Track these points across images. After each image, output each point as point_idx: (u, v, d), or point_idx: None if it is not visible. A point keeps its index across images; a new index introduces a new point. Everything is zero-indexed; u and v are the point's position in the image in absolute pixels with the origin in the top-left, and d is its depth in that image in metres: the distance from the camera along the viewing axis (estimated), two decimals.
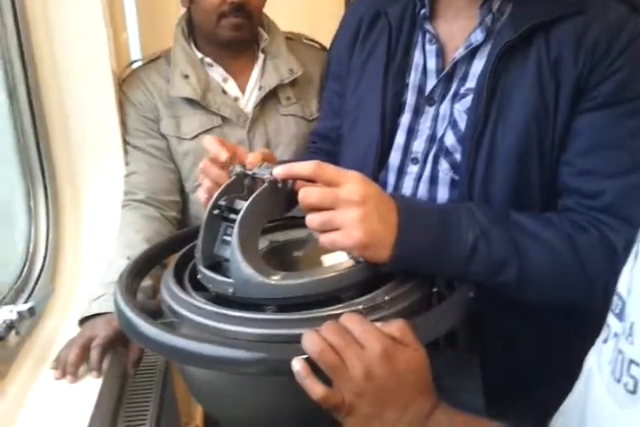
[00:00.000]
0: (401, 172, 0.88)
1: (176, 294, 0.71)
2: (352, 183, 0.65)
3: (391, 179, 0.89)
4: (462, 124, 0.80)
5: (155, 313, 0.71)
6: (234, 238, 0.67)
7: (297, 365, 0.54)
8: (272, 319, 0.63)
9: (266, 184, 0.69)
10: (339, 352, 0.53)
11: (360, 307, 0.64)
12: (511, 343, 0.82)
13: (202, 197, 0.77)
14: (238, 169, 0.75)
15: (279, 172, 0.66)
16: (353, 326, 0.56)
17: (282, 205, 0.72)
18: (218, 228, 0.73)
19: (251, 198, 0.68)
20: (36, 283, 1.09)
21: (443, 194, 0.84)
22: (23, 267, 1.11)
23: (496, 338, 0.83)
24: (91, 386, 0.90)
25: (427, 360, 0.55)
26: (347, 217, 0.64)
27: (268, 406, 0.67)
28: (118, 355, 0.95)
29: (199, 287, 0.73)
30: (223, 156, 0.76)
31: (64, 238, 1.22)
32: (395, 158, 0.88)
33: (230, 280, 0.68)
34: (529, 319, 0.80)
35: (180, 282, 0.76)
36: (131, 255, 1.13)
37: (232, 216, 0.71)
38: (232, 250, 0.67)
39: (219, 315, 0.65)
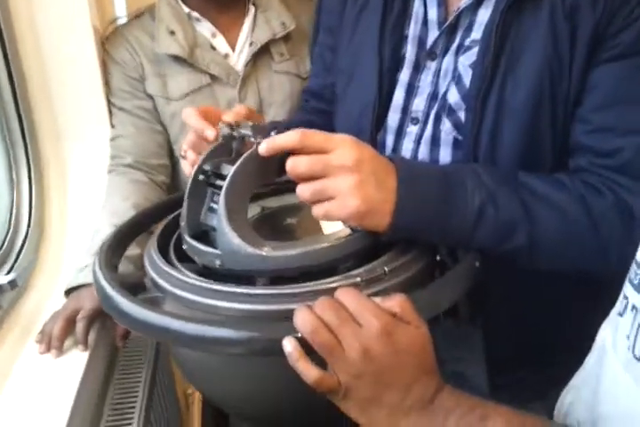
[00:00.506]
0: (400, 133, 0.82)
1: (159, 266, 0.66)
2: (343, 148, 0.59)
3: (389, 140, 0.83)
4: (467, 80, 0.73)
5: (137, 287, 0.66)
6: (220, 206, 0.62)
7: (288, 345, 0.50)
8: (262, 294, 0.58)
9: (255, 147, 0.63)
10: (333, 330, 0.49)
11: (358, 279, 0.59)
12: (517, 314, 0.78)
13: (187, 170, 0.71)
14: (225, 130, 0.69)
15: (262, 147, 0.61)
16: (349, 301, 0.51)
17: (274, 168, 0.66)
18: (204, 195, 0.68)
19: (238, 162, 0.63)
20: (19, 253, 1.05)
21: (445, 156, 0.78)
22: (5, 237, 1.06)
23: (501, 308, 0.79)
24: (77, 360, 0.86)
25: (429, 338, 0.50)
26: (340, 185, 0.58)
27: (261, 385, 0.63)
28: (106, 327, 0.91)
29: (185, 258, 0.68)
30: (210, 134, 0.72)
31: (48, 206, 1.17)
32: (393, 118, 0.82)
33: (217, 251, 0.63)
34: (537, 288, 0.75)
35: (164, 253, 0.71)
36: (117, 223, 1.07)
37: (219, 182, 0.65)
38: (219, 219, 0.62)
39: (204, 289, 0.60)
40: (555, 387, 0.60)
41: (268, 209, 0.78)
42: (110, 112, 1.26)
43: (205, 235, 0.68)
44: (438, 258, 0.69)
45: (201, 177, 0.66)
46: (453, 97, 0.75)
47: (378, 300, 0.52)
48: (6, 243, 1.05)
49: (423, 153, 0.79)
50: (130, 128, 1.24)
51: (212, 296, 0.59)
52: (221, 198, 0.62)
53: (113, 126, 1.26)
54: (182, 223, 0.68)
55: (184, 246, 0.68)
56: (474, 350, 0.83)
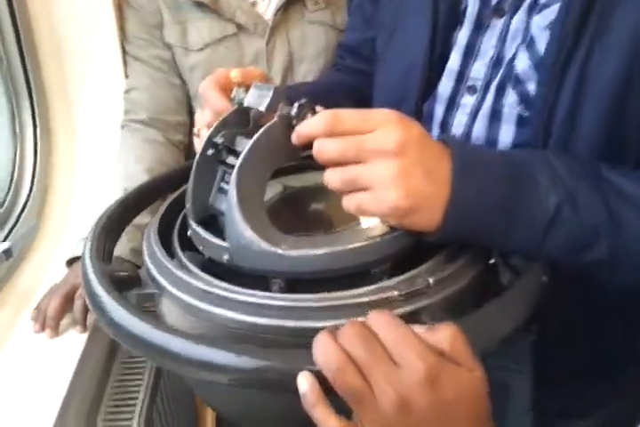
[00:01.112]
0: (452, 103, 0.69)
1: (157, 257, 0.56)
2: (384, 127, 0.47)
3: (438, 111, 0.70)
4: (542, 44, 0.60)
5: (132, 281, 0.56)
6: (231, 190, 0.51)
7: (304, 383, 0.39)
8: (274, 306, 0.47)
9: (275, 118, 0.52)
10: (363, 370, 0.38)
11: (395, 293, 0.48)
12: (578, 322, 0.67)
13: (198, 148, 0.60)
14: (241, 95, 0.57)
15: (294, 138, 0.50)
16: (385, 331, 0.40)
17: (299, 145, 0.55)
18: (214, 172, 0.57)
19: (255, 137, 0.51)
20: (19, 218, 0.95)
21: (506, 135, 0.65)
22: (4, 199, 0.96)
23: (561, 314, 0.67)
24: (75, 343, 0.78)
25: (486, 384, 0.39)
26: (378, 173, 0.47)
27: (265, 403, 0.53)
28: None
29: (191, 245, 0.58)
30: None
31: (54, 165, 1.07)
32: (445, 86, 0.69)
33: (225, 244, 0.52)
34: (605, 295, 0.63)
35: (167, 237, 0.61)
36: (129, 188, 0.98)
37: (231, 159, 0.54)
38: (229, 206, 0.51)
39: (206, 293, 0.50)
40: (599, 409, 0.49)
41: (291, 189, 0.66)
42: (125, 61, 1.14)
43: (214, 219, 0.58)
44: (492, 261, 0.57)
45: (210, 151, 0.55)
46: (522, 64, 0.61)
47: (421, 330, 0.41)
48: (5, 205, 0.95)
49: (479, 129, 0.67)
50: (145, 80, 1.12)
51: (214, 303, 0.49)
52: (233, 179, 0.51)
53: (127, 77, 1.14)
54: (187, 205, 0.57)
55: (189, 233, 0.58)
56: (522, 358, 0.72)
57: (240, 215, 0.50)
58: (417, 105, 0.71)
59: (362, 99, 0.83)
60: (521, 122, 0.63)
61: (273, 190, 0.65)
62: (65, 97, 1.11)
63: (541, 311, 0.64)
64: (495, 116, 0.65)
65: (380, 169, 0.47)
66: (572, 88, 0.57)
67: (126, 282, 0.55)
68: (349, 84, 0.85)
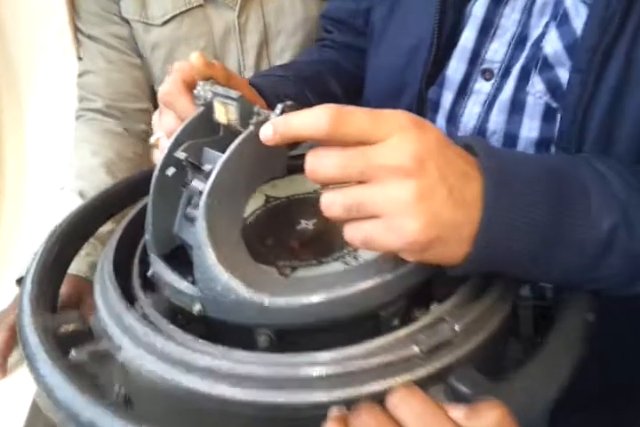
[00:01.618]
0: (464, 90, 0.58)
1: (112, 304, 0.44)
2: (398, 135, 0.36)
3: (446, 99, 0.59)
4: (578, 22, 0.49)
5: (82, 334, 0.45)
6: (200, 222, 0.40)
7: None
8: (258, 378, 0.37)
9: (251, 127, 0.40)
10: None
11: (415, 349, 0.38)
12: (602, 343, 0.57)
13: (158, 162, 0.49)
14: (208, 92, 0.45)
15: (266, 132, 0.37)
16: (413, 419, 0.30)
17: (283, 155, 0.44)
18: (177, 194, 0.45)
19: (227, 153, 0.40)
20: None
21: (529, 130, 0.54)
22: None
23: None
24: (29, 381, 0.66)
25: None
26: (392, 196, 0.36)
27: None
28: None
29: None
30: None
31: (1, 162, 0.94)
32: (456, 68, 0.57)
33: (196, 293, 0.41)
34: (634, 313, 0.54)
35: (125, 271, 0.50)
36: (84, 189, 0.86)
37: (197, 183, 0.42)
38: (198, 242, 0.40)
39: (173, 360, 0.39)
40: None
41: (274, 200, 0.55)
42: (77, 41, 1.00)
43: (182, 252, 0.46)
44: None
45: (171, 171, 0.43)
46: (552, 45, 0.50)
47: (460, 414, 0.31)
48: None
49: (495, 122, 0.56)
50: (100, 62, 0.98)
51: (183, 371, 0.38)
52: (201, 208, 0.40)
53: (80, 59, 1.00)
54: (147, 236, 0.46)
55: (149, 273, 0.46)
56: None
57: (213, 255, 0.39)
58: (420, 91, 0.59)
59: (354, 83, 0.71)
60: (548, 115, 0.53)
61: (251, 203, 0.54)
62: (11, 84, 0.97)
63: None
64: (516, 106, 0.54)
65: (394, 192, 0.36)
66: (616, 77, 0.46)
67: (76, 336, 0.44)
68: (339, 64, 0.73)
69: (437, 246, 0.37)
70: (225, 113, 0.42)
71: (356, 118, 0.36)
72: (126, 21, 0.98)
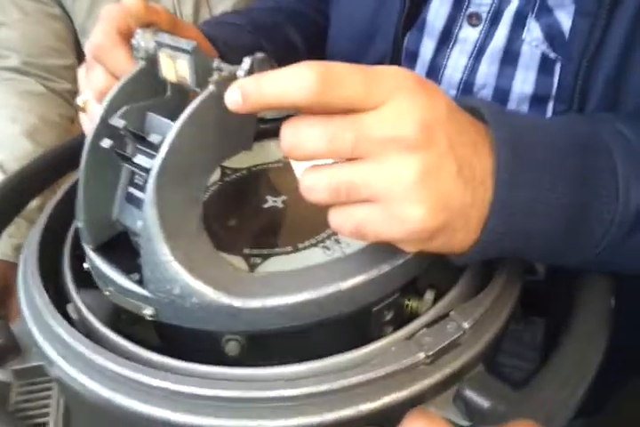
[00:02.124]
0: (446, 37, 0.50)
1: (39, 309, 0.36)
2: (397, 98, 0.28)
3: (426, 49, 0.52)
4: None
5: (8, 349, 0.36)
6: (148, 208, 0.31)
7: None
8: (220, 399, 0.30)
9: (210, 87, 0.31)
10: None
11: (421, 356, 0.31)
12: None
13: (87, 129, 0.39)
14: (152, 43, 0.36)
15: (235, 98, 0.29)
16: None
17: (251, 122, 0.35)
18: (115, 171, 0.37)
19: (181, 119, 0.31)
20: None
21: (523, 83, 0.47)
22: None
23: None
24: None
25: None
26: (391, 175, 0.29)
27: None
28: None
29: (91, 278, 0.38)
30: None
31: None
32: (437, 13, 0.50)
33: (145, 293, 0.33)
34: None
35: (52, 263, 0.41)
36: (4, 161, 0.75)
37: (141, 158, 0.33)
38: (148, 234, 0.31)
39: (112, 377, 0.31)
40: None
41: (233, 172, 0.46)
42: None
43: (123, 240, 0.38)
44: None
45: (106, 143, 0.34)
46: None
47: None
48: None
49: (484, 75, 0.50)
50: (14, 13, 0.85)
51: (128, 392, 0.31)
52: (150, 191, 0.31)
53: None
54: (79, 224, 0.37)
55: (85, 265, 0.38)
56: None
57: (168, 249, 0.31)
58: (395, 39, 0.52)
59: (316, 32, 0.62)
60: (545, 66, 0.46)
61: None
62: None
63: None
64: (508, 57, 0.47)
65: (394, 169, 0.28)
66: (627, 24, 0.40)
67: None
68: (298, 10, 0.63)
69: (444, 235, 0.31)
70: (174, 68, 0.33)
71: (349, 79, 0.28)
72: None
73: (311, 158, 0.29)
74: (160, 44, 0.34)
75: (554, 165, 0.32)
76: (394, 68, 0.30)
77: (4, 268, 0.68)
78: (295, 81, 0.27)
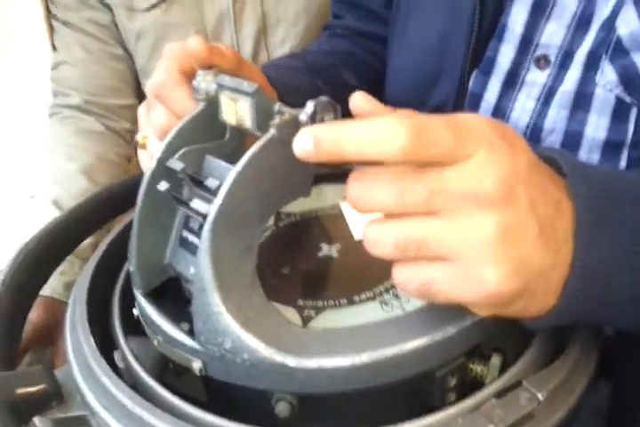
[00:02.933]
0: (513, 80, 0.49)
1: (87, 359, 0.34)
2: (482, 153, 0.26)
3: (491, 93, 0.50)
4: None
5: (49, 398, 0.35)
6: (203, 256, 0.30)
7: None
8: None
9: (272, 131, 0.30)
10: None
11: None
12: None
13: (145, 167, 0.39)
14: (213, 84, 0.35)
15: (305, 146, 0.27)
16: None
17: (310, 168, 0.33)
18: (170, 214, 0.35)
19: (241, 164, 0.30)
20: None
21: (596, 129, 0.45)
22: None
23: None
24: None
25: None
26: (467, 234, 0.27)
27: None
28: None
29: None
30: None
31: None
32: (504, 53, 0.48)
33: (195, 345, 0.31)
34: None
35: (103, 307, 0.40)
36: (59, 198, 0.76)
37: (197, 203, 0.32)
38: (201, 283, 0.30)
39: None
40: None
41: (286, 217, 0.45)
42: (51, 28, 0.89)
43: (176, 286, 0.36)
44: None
45: (163, 186, 0.33)
46: (629, 25, 0.41)
47: None
48: None
49: (554, 120, 0.48)
50: (77, 52, 0.88)
51: None
52: (205, 238, 0.30)
53: (55, 49, 0.89)
54: (131, 268, 0.36)
55: (135, 312, 0.37)
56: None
57: (220, 300, 0.29)
58: (460, 80, 0.50)
59: (371, 74, 0.62)
60: (620, 111, 0.44)
61: None
62: None
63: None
64: (580, 101, 0.45)
65: (471, 227, 0.26)
66: None
67: (39, 401, 0.34)
68: (353, 53, 0.63)
69: (522, 299, 0.28)
70: (234, 111, 0.32)
71: (442, 137, 0.26)
72: (107, 6, 0.88)
73: (378, 211, 0.27)
74: (221, 86, 0.33)
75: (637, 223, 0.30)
76: (478, 119, 0.28)
77: (54, 305, 0.67)
78: (384, 136, 0.25)
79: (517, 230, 0.27)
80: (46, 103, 0.87)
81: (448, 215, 0.26)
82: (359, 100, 0.30)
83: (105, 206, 0.53)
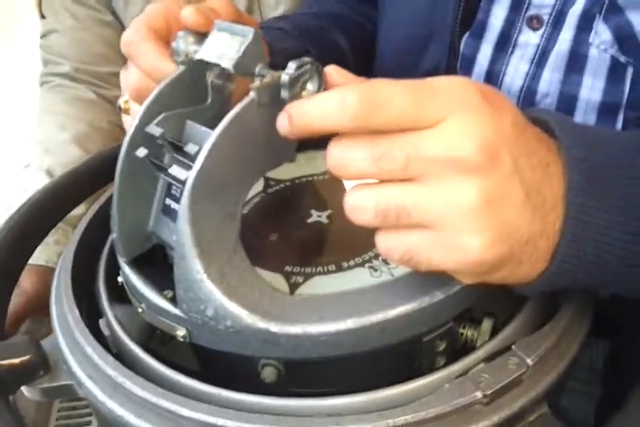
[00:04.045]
0: (504, 42, 0.47)
1: (69, 327, 0.34)
2: (457, 116, 0.26)
3: (483, 54, 0.49)
4: None
5: (37, 367, 0.34)
6: (182, 223, 0.29)
7: None
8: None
9: (251, 94, 0.29)
10: None
11: (478, 395, 0.28)
12: None
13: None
14: (191, 46, 0.34)
15: (281, 122, 0.28)
16: None
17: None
18: (152, 181, 0.35)
19: (219, 128, 0.29)
20: None
21: (590, 91, 0.44)
22: None
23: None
24: None
25: None
26: (448, 201, 0.26)
27: None
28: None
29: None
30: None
31: None
32: (495, 15, 0.47)
33: (178, 312, 0.31)
34: None
35: (89, 274, 0.39)
36: (52, 167, 0.75)
37: (176, 170, 0.31)
38: (181, 250, 0.29)
39: (142, 404, 0.29)
40: None
41: (277, 184, 0.44)
42: None
43: (158, 253, 0.36)
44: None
45: (142, 152, 0.32)
46: None
47: None
48: None
49: (548, 82, 0.47)
50: (66, 19, 0.86)
51: (160, 417, 0.29)
52: (185, 204, 0.29)
53: (43, 17, 0.87)
54: (114, 235, 0.35)
55: (119, 279, 0.36)
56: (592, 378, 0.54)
57: (201, 268, 0.29)
58: (451, 43, 0.48)
59: (362, 36, 0.60)
60: (615, 71, 0.43)
61: None
62: None
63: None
64: (574, 62, 0.44)
65: (453, 194, 0.26)
66: None
67: (25, 371, 0.34)
68: (342, 15, 0.61)
69: (507, 267, 0.28)
70: (218, 48, 0.31)
71: (395, 99, 0.25)
72: None
73: (358, 178, 0.27)
74: (218, 27, 0.32)
75: (633, 188, 0.29)
76: (456, 81, 0.27)
77: (49, 275, 0.67)
78: (335, 105, 0.25)
79: (501, 197, 0.26)
80: (37, 73, 0.86)
81: (427, 181, 0.26)
82: (332, 72, 0.29)
83: (94, 174, 0.52)
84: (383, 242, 0.28)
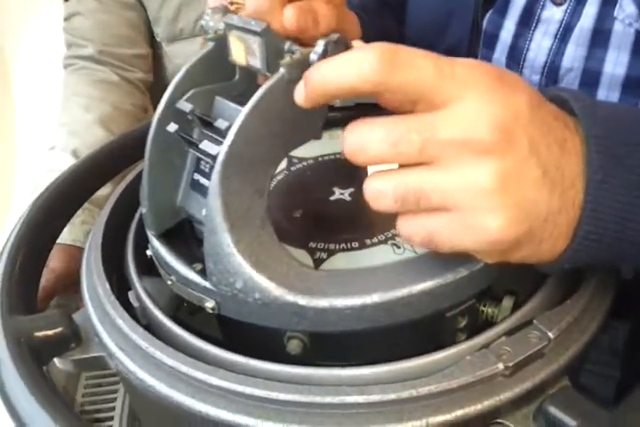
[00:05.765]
0: (527, 18, 0.47)
1: (102, 301, 0.35)
2: (473, 97, 0.26)
3: (507, 30, 0.49)
4: None
5: (68, 339, 0.36)
6: (212, 198, 0.30)
7: None
8: (287, 403, 0.28)
9: (281, 70, 0.30)
10: None
11: (500, 367, 0.28)
12: None
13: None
14: (221, 24, 0.34)
15: (298, 90, 0.28)
16: None
17: (322, 109, 0.33)
18: (181, 156, 0.35)
19: (250, 105, 0.29)
20: None
21: (615, 65, 0.44)
22: None
23: None
24: None
25: None
26: (465, 183, 0.26)
27: None
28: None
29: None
30: None
31: None
32: None
33: (207, 285, 0.32)
34: None
35: (118, 250, 0.40)
36: (77, 148, 0.76)
37: (207, 144, 0.32)
38: (211, 225, 0.30)
39: (172, 374, 0.30)
40: None
41: (299, 162, 0.44)
42: None
43: (188, 229, 0.37)
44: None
45: (172, 127, 0.33)
46: None
47: None
48: None
49: (571, 58, 0.46)
50: (89, 2, 0.87)
51: (191, 391, 0.29)
52: (215, 179, 0.30)
53: (66, 0, 0.88)
54: (143, 210, 0.36)
55: (148, 252, 0.37)
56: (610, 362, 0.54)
57: (231, 241, 0.30)
58: (474, 21, 0.48)
59: (392, 17, 0.60)
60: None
61: None
62: None
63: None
64: (598, 37, 0.44)
65: (469, 176, 0.26)
66: None
67: (57, 343, 0.35)
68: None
69: (528, 245, 0.28)
70: (244, 51, 0.32)
71: (419, 62, 0.25)
72: None
73: (375, 163, 0.27)
74: (229, 26, 0.32)
75: None
76: (472, 60, 0.27)
77: (76, 253, 0.69)
78: (356, 63, 0.25)
79: (517, 176, 0.26)
80: (61, 55, 0.87)
81: (444, 165, 0.26)
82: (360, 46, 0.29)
83: (120, 154, 0.53)
84: (404, 227, 0.28)
